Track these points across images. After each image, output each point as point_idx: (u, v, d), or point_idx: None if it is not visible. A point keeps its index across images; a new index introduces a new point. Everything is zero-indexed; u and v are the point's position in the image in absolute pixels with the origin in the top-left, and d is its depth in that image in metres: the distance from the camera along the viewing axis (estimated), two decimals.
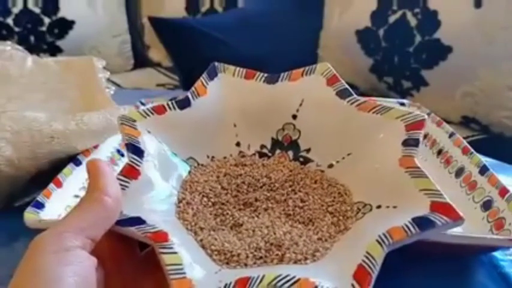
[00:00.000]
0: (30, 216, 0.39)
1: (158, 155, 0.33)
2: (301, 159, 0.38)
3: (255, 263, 0.28)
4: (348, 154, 0.36)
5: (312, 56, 1.32)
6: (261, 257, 0.28)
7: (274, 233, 0.30)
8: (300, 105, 0.39)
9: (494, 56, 0.97)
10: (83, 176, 0.46)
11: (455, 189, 0.47)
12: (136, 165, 0.31)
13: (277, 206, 0.33)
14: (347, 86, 0.38)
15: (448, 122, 0.60)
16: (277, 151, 0.39)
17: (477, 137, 1.03)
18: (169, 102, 0.36)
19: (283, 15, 1.34)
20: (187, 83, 1.29)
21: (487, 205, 0.43)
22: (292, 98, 0.39)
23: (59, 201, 0.42)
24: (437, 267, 0.40)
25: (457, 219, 0.26)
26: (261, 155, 0.39)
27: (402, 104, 0.61)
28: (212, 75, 0.40)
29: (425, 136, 0.54)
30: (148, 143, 0.33)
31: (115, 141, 0.53)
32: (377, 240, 0.25)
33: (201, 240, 0.29)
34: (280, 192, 0.35)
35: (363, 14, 1.19)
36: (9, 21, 1.42)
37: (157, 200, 0.31)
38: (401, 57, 1.13)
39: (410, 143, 0.32)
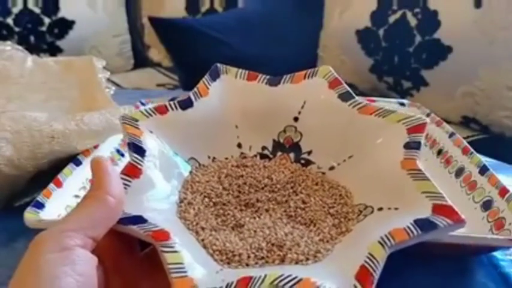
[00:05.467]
0: (30, 216, 0.39)
1: (160, 154, 0.33)
2: (302, 161, 0.38)
3: (256, 263, 0.28)
4: (350, 157, 0.36)
5: (312, 56, 1.33)
6: (262, 257, 0.28)
7: (276, 234, 0.30)
8: (302, 107, 0.39)
9: (494, 56, 0.97)
10: (83, 176, 0.46)
11: (455, 189, 0.47)
12: (138, 164, 0.31)
13: (279, 207, 0.33)
14: (349, 89, 0.38)
15: (448, 122, 0.60)
16: (279, 153, 0.39)
17: (477, 137, 1.03)
18: (172, 103, 0.37)
19: (283, 15, 1.34)
20: (187, 83, 1.29)
21: (487, 205, 0.43)
22: (294, 100, 0.39)
23: (59, 201, 0.42)
24: (437, 267, 0.40)
25: (458, 222, 0.26)
26: (262, 156, 0.39)
27: (402, 104, 0.61)
28: (214, 77, 0.40)
29: (425, 136, 0.54)
30: (150, 142, 0.33)
31: (115, 141, 0.53)
32: (379, 242, 0.25)
33: (203, 240, 0.30)
34: (281, 193, 0.35)
35: (363, 14, 1.19)
36: (9, 21, 1.42)
37: (158, 199, 0.31)
38: (401, 57, 1.13)
39: (412, 145, 0.32)
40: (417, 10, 1.09)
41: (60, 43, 1.45)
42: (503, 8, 0.96)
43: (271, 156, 0.39)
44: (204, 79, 0.39)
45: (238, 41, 1.24)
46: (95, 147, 0.50)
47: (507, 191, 0.41)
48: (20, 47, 0.62)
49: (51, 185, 0.43)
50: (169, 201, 0.32)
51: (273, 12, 1.34)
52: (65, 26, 1.44)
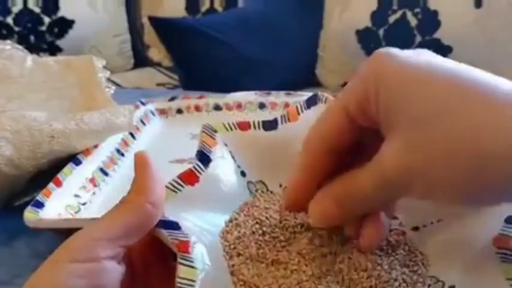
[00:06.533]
0: (30, 215, 0.39)
1: (225, 169, 0.32)
2: None
3: None
4: (438, 220, 0.31)
5: (312, 56, 1.33)
6: None
7: (314, 283, 0.26)
8: None
9: (494, 56, 0.97)
10: (82, 175, 0.46)
11: None
12: (198, 172, 0.30)
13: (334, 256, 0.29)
14: None
15: None
16: None
17: None
18: (256, 121, 0.35)
19: (283, 15, 1.34)
20: (187, 82, 1.29)
21: None
22: None
23: (58, 201, 0.42)
24: None
25: None
26: None
27: None
28: (310, 104, 0.36)
29: None
30: (220, 154, 0.32)
31: (115, 140, 0.53)
32: None
33: (233, 265, 0.27)
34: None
35: (363, 14, 1.19)
36: (9, 20, 1.42)
37: (206, 212, 0.29)
38: None
39: None
40: (417, 10, 1.09)
41: (60, 42, 1.45)
42: (503, 8, 0.96)
43: None
44: (298, 104, 0.36)
45: (238, 41, 1.24)
46: (95, 146, 0.50)
47: None
48: (20, 47, 0.62)
49: (51, 185, 0.43)
50: (218, 218, 0.30)
51: (273, 12, 1.34)
52: (64, 25, 1.44)
